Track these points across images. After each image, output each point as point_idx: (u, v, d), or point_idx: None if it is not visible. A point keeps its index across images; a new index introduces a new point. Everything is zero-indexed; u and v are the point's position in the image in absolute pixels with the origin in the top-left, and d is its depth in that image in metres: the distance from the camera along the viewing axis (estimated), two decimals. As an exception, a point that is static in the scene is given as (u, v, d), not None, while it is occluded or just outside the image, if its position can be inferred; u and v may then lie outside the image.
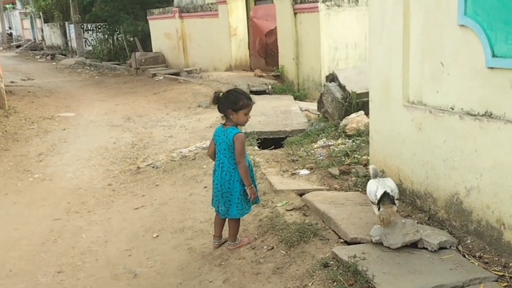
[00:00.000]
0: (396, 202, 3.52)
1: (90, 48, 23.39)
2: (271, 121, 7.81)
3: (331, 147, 5.68)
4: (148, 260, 3.98)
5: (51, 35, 29.86)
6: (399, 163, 4.22)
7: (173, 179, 5.90)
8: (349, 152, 5.28)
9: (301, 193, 4.63)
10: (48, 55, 26.04)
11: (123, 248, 4.25)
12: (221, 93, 3.77)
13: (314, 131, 6.54)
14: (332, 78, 6.72)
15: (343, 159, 5.18)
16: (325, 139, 6.01)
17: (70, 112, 10.97)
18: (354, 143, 5.57)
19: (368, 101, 6.41)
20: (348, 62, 10.37)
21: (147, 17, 18.04)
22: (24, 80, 16.56)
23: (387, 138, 4.35)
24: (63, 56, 25.09)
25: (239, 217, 3.87)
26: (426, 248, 3.36)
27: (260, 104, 8.91)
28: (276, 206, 4.40)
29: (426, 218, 3.88)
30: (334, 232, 3.80)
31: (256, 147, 6.49)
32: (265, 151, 6.25)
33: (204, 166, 6.05)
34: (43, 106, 11.61)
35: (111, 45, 21.17)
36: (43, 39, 31.61)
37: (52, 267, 3.97)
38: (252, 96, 10.29)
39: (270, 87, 10.98)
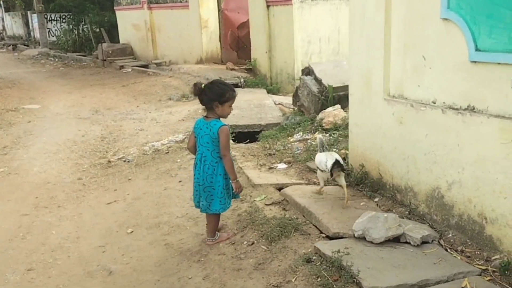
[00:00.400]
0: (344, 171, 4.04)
1: (54, 38, 22.72)
2: (245, 114, 7.71)
3: (308, 141, 5.64)
4: (123, 256, 3.83)
5: (12, 24, 28.91)
6: (379, 157, 4.20)
7: (146, 173, 5.74)
8: (327, 146, 5.24)
9: (279, 187, 4.56)
10: (9, 46, 25.19)
11: (96, 244, 4.09)
12: (203, 85, 3.65)
13: (290, 125, 6.49)
14: (308, 71, 6.67)
15: (318, 152, 5.13)
16: (301, 133, 5.95)
17: (35, 104, 10.59)
18: (331, 137, 5.54)
19: (344, 95, 6.45)
20: (321, 56, 10.35)
21: (114, 8, 17.63)
22: (-16, 71, 15.96)
23: (367, 132, 4.32)
24: (26, 47, 24.31)
25: (221, 211, 3.78)
26: (409, 243, 3.34)
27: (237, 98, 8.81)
28: (255, 200, 4.31)
29: (407, 212, 3.87)
30: (316, 227, 3.74)
31: (231, 141, 6.37)
32: (241, 144, 6.16)
33: (178, 160, 5.91)
34: (6, 97, 11.19)
35: (76, 36, 20.59)
36: (3, 29, 30.57)
37: (22, 264, 3.77)
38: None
39: (242, 80, 10.87)
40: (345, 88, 6.35)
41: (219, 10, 13.10)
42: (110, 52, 16.62)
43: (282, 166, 5.06)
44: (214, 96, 3.57)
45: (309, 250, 3.37)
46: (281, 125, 6.80)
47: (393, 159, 4.04)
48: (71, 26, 20.84)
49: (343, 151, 4.98)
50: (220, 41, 13.31)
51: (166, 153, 6.26)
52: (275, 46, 10.59)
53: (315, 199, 4.12)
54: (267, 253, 3.46)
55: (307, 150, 5.35)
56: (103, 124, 8.49)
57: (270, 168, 5.08)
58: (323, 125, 5.86)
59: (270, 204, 4.22)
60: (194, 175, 3.74)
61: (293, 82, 10.13)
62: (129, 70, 15.09)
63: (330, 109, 6.05)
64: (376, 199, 4.14)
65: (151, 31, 15.56)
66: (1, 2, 28.90)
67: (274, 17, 10.48)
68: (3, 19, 30.65)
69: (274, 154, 5.47)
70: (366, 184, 4.35)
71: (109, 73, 15.23)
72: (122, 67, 15.52)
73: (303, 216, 3.94)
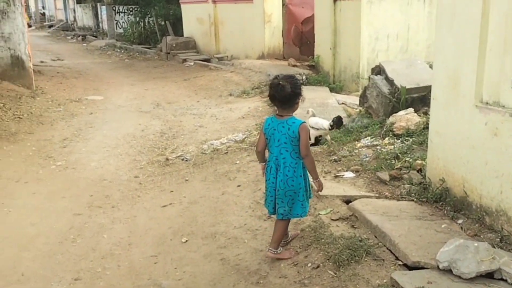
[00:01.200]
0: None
1: (121, 30, 23.07)
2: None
3: (377, 147, 5.14)
4: (176, 270, 3.54)
5: (83, 16, 29.71)
6: (465, 172, 3.67)
7: (203, 174, 5.46)
8: (399, 155, 4.73)
9: (347, 200, 4.12)
10: (79, 36, 25.88)
11: (148, 253, 3.83)
12: (281, 80, 3.30)
13: (356, 127, 6.00)
14: (378, 70, 6.15)
15: (393, 162, 4.63)
16: (369, 138, 5.46)
17: (98, 95, 10.64)
18: (403, 144, 5.01)
19: (418, 97, 5.90)
20: (388, 54, 9.73)
21: (180, 1, 17.58)
22: (54, 60, 16.35)
23: (451, 143, 3.80)
24: (94, 38, 24.87)
25: (303, 216, 3.52)
26: (505, 280, 2.83)
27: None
28: (319, 214, 3.91)
29: (498, 239, 3.33)
30: (390, 251, 3.29)
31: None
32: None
33: (237, 162, 5.59)
34: (71, 87, 11.31)
35: (142, 28, 20.79)
36: (75, 20, 31.49)
37: (69, 272, 3.56)
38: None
39: (304, 77, 10.40)
40: (420, 90, 5.84)
41: (283, 5, 12.67)
42: (174, 45, 16.60)
43: (349, 175, 4.61)
44: (299, 90, 3.30)
45: (384, 281, 2.93)
46: (346, 128, 6.32)
47: (482, 175, 3.51)
48: (137, 19, 21.06)
49: (418, 161, 4.45)
50: (282, 36, 12.88)
51: (225, 153, 5.95)
52: (340, 43, 10.05)
53: (388, 216, 3.66)
54: (335, 280, 3.05)
55: (376, 158, 4.86)
56: (163, 119, 8.33)
57: (336, 176, 4.64)
58: (394, 129, 5.33)
59: (337, 220, 3.79)
60: (268, 179, 3.42)
61: (357, 81, 9.60)
62: (192, 63, 14.99)
63: (402, 112, 5.51)
64: (460, 221, 3.62)
65: (215, 25, 15.37)
66: (73, -6, 29.82)
67: (341, 12, 9.93)
68: (74, 11, 31.60)
69: (340, 161, 5.02)
70: (447, 202, 3.83)
71: (172, 66, 15.20)
72: (184, 60, 15.44)
73: (375, 236, 3.49)
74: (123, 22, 23.51)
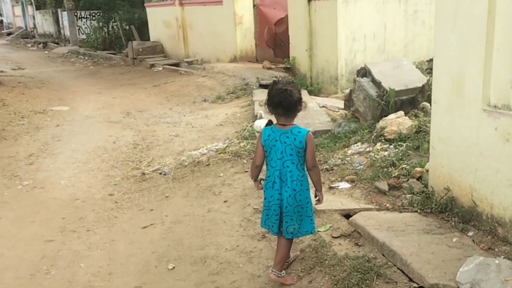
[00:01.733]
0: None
1: (84, 36, 22.35)
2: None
3: (370, 154, 4.88)
4: (166, 304, 3.18)
5: (43, 22, 28.74)
6: (473, 181, 3.43)
7: (185, 189, 5.09)
8: (395, 162, 4.48)
9: (346, 214, 3.83)
10: (40, 43, 24.96)
11: (132, 284, 3.44)
12: (286, 85, 3.01)
13: (344, 133, 5.74)
14: (364, 72, 5.90)
15: (389, 170, 4.37)
16: (359, 144, 5.20)
17: (63, 105, 10.09)
18: (397, 150, 4.76)
19: (407, 100, 5.66)
20: (366, 54, 9.54)
21: (145, 4, 17.09)
22: (14, 69, 15.62)
23: (456, 149, 3.55)
24: (56, 45, 24.03)
25: (313, 232, 3.22)
26: (536, 302, 2.58)
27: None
28: (319, 231, 3.60)
29: (514, 252, 3.09)
30: (402, 271, 3.01)
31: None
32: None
33: (221, 174, 5.24)
34: (35, 98, 10.72)
35: (106, 34, 20.18)
36: (34, 27, 30.43)
37: (44, 313, 3.16)
38: (261, 90, 9.54)
39: (281, 80, 10.14)
40: (408, 91, 5.62)
41: (254, 6, 12.38)
42: (141, 50, 16.11)
43: (344, 185, 4.32)
44: (300, 96, 3.02)
45: (404, 308, 2.64)
46: (332, 133, 6.05)
47: (493, 184, 3.27)
48: (100, 24, 20.44)
49: (418, 168, 4.19)
50: (255, 38, 12.60)
51: (207, 165, 5.59)
52: (316, 44, 9.80)
53: (394, 232, 3.38)
54: (348, 310, 2.75)
55: (371, 166, 4.60)
56: (135, 129, 7.90)
57: (331, 188, 4.34)
58: (385, 134, 5.09)
59: (339, 237, 3.50)
60: (271, 196, 3.08)
61: (336, 83, 9.38)
62: (160, 68, 14.53)
63: (392, 116, 5.27)
64: (470, 234, 3.37)
65: (183, 28, 14.95)
66: (33, 0, 28.77)
67: (316, 12, 9.69)
68: (34, 17, 30.53)
69: (332, 170, 4.74)
70: (453, 213, 3.58)
71: (140, 72, 14.70)
72: (152, 65, 14.97)
73: (383, 255, 3.21)
74: (85, 27, 22.82)
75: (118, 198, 5.07)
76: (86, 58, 18.69)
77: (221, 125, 7.60)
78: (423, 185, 3.98)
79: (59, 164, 6.23)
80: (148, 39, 17.18)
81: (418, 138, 4.85)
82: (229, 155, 5.74)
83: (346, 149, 5.23)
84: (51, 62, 18.24)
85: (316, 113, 7.28)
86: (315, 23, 9.71)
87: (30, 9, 30.94)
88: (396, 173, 4.28)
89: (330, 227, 3.64)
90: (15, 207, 4.92)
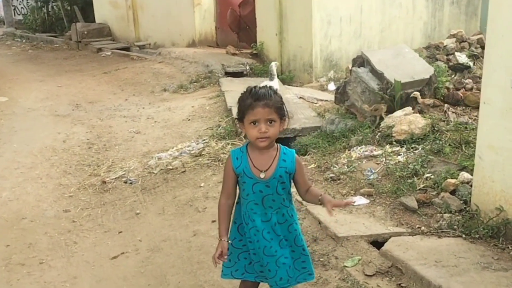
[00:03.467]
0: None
1: (21, 17, 20.48)
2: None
3: (380, 158, 4.17)
4: None
5: (-27, 1, 26.30)
6: (538, 201, 2.78)
7: (159, 203, 4.20)
8: (418, 169, 3.77)
9: (373, 241, 3.10)
10: (-30, 25, 22.79)
11: None
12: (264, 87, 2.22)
13: (340, 131, 5.00)
14: (361, 61, 5.17)
15: (412, 181, 3.67)
16: (364, 146, 4.48)
17: (1, 95, 8.82)
18: (414, 154, 4.07)
19: (412, 94, 4.96)
20: (341, 39, 8.86)
21: (89, -18, 15.68)
22: None
23: (513, 161, 2.89)
24: (-12, 26, 22.00)
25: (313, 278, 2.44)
26: None
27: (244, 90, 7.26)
28: (345, 267, 2.85)
29: None
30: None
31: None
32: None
33: (202, 184, 4.38)
34: (-35, 88, 9.37)
35: (46, 15, 18.48)
36: (-37, 6, 27.87)
37: None
38: (229, 79, 8.66)
39: (248, 68, 9.31)
40: (414, 84, 4.94)
41: (214, -15, 11.43)
42: (85, 32, 14.73)
43: (361, 201, 3.59)
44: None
45: None
46: (323, 131, 5.32)
47: None
48: (39, 4, 18.69)
49: (450, 180, 3.50)
50: (215, 21, 11.64)
51: (183, 172, 4.71)
52: (288, 28, 9.00)
53: (446, 268, 2.69)
54: None
55: (388, 175, 3.88)
56: (88, 124, 6.86)
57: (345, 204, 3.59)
58: (394, 134, 4.39)
59: (374, 275, 2.76)
60: (261, 245, 2.26)
61: (310, 71, 8.66)
62: (109, 53, 13.29)
63: (399, 113, 4.58)
64: (538, 267, 2.72)
65: (133, 9, 13.73)
66: (-40, -23, 26.22)
67: (287, -8, 8.90)
68: (-38, -4, 27.95)
69: (339, 180, 3.99)
70: (509, 239, 2.93)
71: (86, 56, 13.40)
72: (100, 49, 13.70)
73: (441, 302, 2.50)
74: (22, 7, 20.92)
75: (76, 216, 4.12)
76: (24, 41, 17.05)
77: (189, 119, 6.69)
78: (461, 202, 3.30)
79: (-2, 171, 5.16)
80: (94, 21, 15.76)
81: (435, 140, 4.18)
82: (208, 159, 4.89)
83: (348, 151, 4.50)
84: (-16, 46, 16.50)
85: (298, 106, 6.53)
86: (285, 4, 8.91)
87: (-42, -14, 28.28)
88: (422, 185, 3.58)
89: (359, 260, 2.90)
90: None
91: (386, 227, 3.21)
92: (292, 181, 2.27)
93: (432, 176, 3.65)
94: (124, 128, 6.58)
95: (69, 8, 17.45)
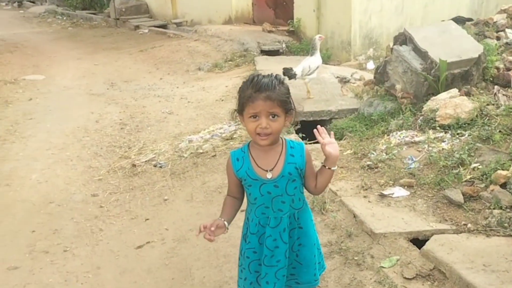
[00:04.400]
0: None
1: (62, -6, 20.69)
2: (305, 95, 5.94)
3: (423, 145, 3.87)
4: None
5: (17, -21, 26.74)
6: None
7: (188, 189, 4.06)
8: (465, 158, 3.46)
9: (413, 238, 2.85)
10: (14, 2, 23.15)
11: None
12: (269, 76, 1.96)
13: (378, 114, 4.71)
14: (403, 39, 4.82)
15: (458, 172, 3.38)
16: (404, 131, 4.18)
17: (38, 73, 8.88)
18: (459, 141, 3.76)
19: (460, 73, 4.58)
20: (382, 15, 8.45)
21: (128, -41, 15.56)
22: (-16, 31, 14.16)
23: None
24: (32, 4, 22.28)
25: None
26: None
27: (280, 69, 6.95)
28: (382, 267, 2.63)
29: None
30: None
31: (299, 137, 4.64)
32: (316, 145, 4.41)
33: (232, 170, 4.20)
34: (6, 65, 9.49)
35: (86, -9, 18.58)
36: (9, -16, 28.42)
37: None
38: (265, 57, 8.41)
39: (284, 45, 9.03)
40: (461, 64, 4.57)
41: (251, -41, 11.09)
42: (124, 9, 14.69)
43: (400, 192, 3.34)
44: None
45: None
46: (361, 113, 5.04)
47: None
48: (80, -20, 18.80)
49: (501, 171, 3.18)
50: (252, -4, 11.34)
51: (213, 156, 4.55)
52: (325, 3, 8.64)
53: (497, 274, 2.43)
54: None
55: (430, 164, 3.60)
56: (122, 104, 6.79)
57: (382, 195, 3.35)
58: (438, 119, 4.07)
59: (413, 278, 2.52)
60: (270, 254, 2.07)
61: (348, 49, 8.31)
62: (146, 31, 13.22)
63: (444, 95, 4.25)
64: None
65: (170, -15, 13.58)
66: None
67: (326, -34, 8.51)
68: (7, -27, 28.48)
69: (377, 168, 3.74)
70: None
71: (123, 34, 13.39)
72: (137, 27, 13.66)
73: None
74: (63, -16, 21.09)
75: (104, 201, 4.03)
76: (65, 18, 17.17)
77: (222, 100, 6.52)
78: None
79: (30, 151, 5.14)
80: (132, -2, 15.74)
81: (484, 125, 3.84)
82: (239, 143, 4.71)
83: (387, 137, 4.21)
84: (27, 23, 16.71)
85: (334, 87, 6.23)
86: (324, -21, 8.53)
87: (3, -36, 28.81)
88: (468, 177, 3.29)
89: (398, 260, 2.67)
90: (-29, 215, 3.85)
91: (428, 223, 2.96)
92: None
93: (480, 167, 3.35)
94: (157, 109, 6.47)
95: (108, -16, 17.47)
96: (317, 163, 2.73)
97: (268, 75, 1.95)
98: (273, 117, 1.88)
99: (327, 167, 1.97)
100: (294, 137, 4.69)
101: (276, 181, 1.98)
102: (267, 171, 1.98)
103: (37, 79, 8.45)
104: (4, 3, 23.70)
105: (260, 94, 1.87)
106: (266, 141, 1.92)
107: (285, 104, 1.91)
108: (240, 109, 1.95)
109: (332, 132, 2.01)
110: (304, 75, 5.67)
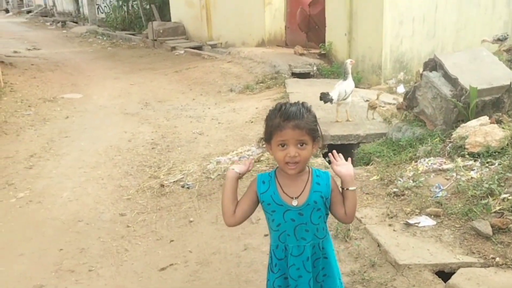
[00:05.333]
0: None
1: (103, 15, 21.42)
2: (333, 118, 5.94)
3: (451, 173, 3.81)
4: None
5: (62, 0, 27.85)
6: None
7: (213, 211, 4.10)
8: (494, 188, 3.39)
9: (438, 270, 2.79)
10: (58, 22, 24.12)
11: None
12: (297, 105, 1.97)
13: (406, 140, 4.67)
14: (433, 65, 4.79)
15: (487, 202, 3.30)
16: (432, 158, 4.12)
17: (76, 92, 9.19)
18: (488, 170, 3.68)
19: (491, 101, 4.51)
20: (413, 40, 8.40)
21: (166, -18, 16.03)
22: (29, 49, 14.74)
23: None
24: (75, 24, 23.15)
25: None
26: None
27: (310, 91, 7.02)
28: (405, 300, 2.58)
29: None
30: None
31: (325, 161, 4.64)
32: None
33: (258, 193, 4.22)
34: (46, 83, 9.85)
35: (126, 13, 19.20)
36: (54, 5, 29.54)
37: None
38: (295, 80, 8.47)
39: (315, 68, 9.08)
40: (492, 91, 4.50)
41: (284, -16, 11.24)
42: (161, 31, 15.09)
43: (426, 222, 3.28)
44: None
45: None
46: (389, 138, 5.00)
47: None
48: (120, 2, 19.44)
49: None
50: (285, 20, 11.45)
51: (239, 179, 4.58)
52: (357, 27, 8.66)
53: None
54: None
55: (458, 193, 3.53)
56: (154, 124, 6.94)
57: (408, 224, 3.30)
58: (467, 146, 4.01)
59: (437, 314, 2.46)
60: (300, 282, 2.04)
61: (379, 72, 8.28)
62: (182, 52, 13.53)
63: (474, 122, 4.19)
64: None
65: (206, 8, 13.86)
66: (51, -23, 27.87)
67: (358, -10, 8.54)
68: (53, -5, 29.67)
69: (403, 195, 3.69)
70: None
71: (160, 55, 13.73)
72: (173, 48, 13.99)
73: None
74: (105, 6, 21.86)
75: (131, 220, 4.11)
76: (105, 38, 17.76)
77: (252, 121, 6.58)
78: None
79: (63, 169, 5.29)
80: (169, 20, 16.16)
81: (514, 154, 3.76)
82: (266, 166, 4.73)
83: (414, 163, 4.16)
84: (68, 42, 17.35)
85: (363, 110, 6.21)
86: (356, 3, 8.58)
87: (49, -14, 30.07)
88: (498, 207, 3.21)
89: (421, 294, 2.62)
90: (2, 231, 3.98)
91: (454, 255, 2.89)
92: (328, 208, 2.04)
93: (510, 197, 3.27)
94: (188, 129, 6.58)
95: (147, 6, 17.98)
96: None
97: (295, 103, 1.98)
98: (301, 145, 1.90)
99: (345, 188, 1.98)
100: (320, 161, 4.70)
101: (301, 209, 1.99)
102: (292, 198, 1.99)
103: (75, 98, 8.74)
104: (49, 23, 24.71)
105: (288, 123, 1.88)
106: (294, 170, 1.94)
107: (313, 132, 1.93)
108: (268, 138, 1.98)
109: (349, 158, 2.03)
110: (341, 99, 5.72)
